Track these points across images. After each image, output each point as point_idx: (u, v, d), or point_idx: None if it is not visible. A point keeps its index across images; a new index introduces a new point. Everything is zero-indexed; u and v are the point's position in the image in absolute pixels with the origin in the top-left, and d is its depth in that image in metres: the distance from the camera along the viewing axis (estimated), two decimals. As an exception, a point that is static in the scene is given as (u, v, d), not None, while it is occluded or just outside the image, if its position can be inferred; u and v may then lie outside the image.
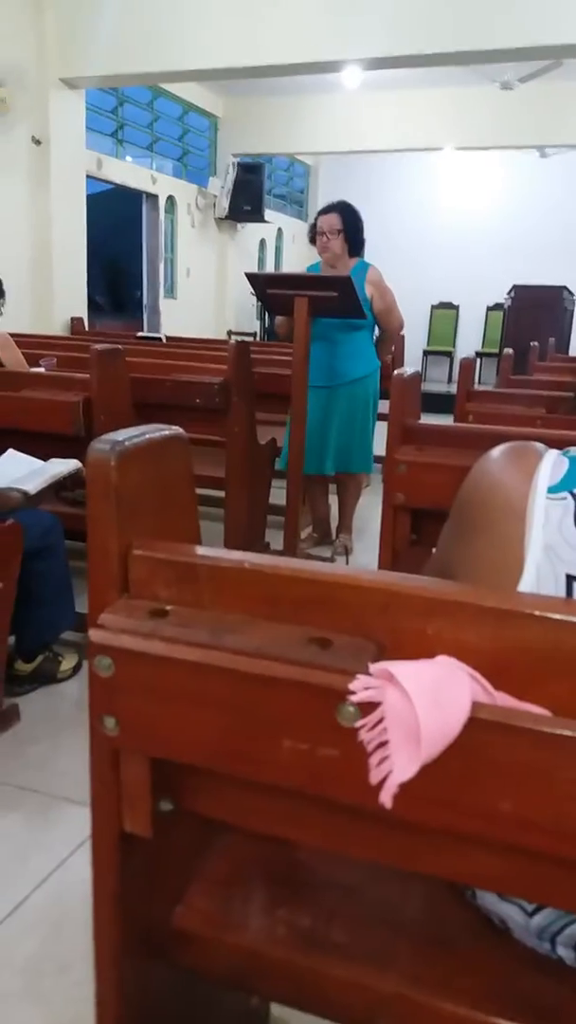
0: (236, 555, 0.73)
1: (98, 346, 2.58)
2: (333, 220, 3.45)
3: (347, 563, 3.49)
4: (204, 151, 9.60)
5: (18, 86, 5.69)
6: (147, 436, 0.78)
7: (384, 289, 3.54)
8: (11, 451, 2.41)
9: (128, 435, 0.77)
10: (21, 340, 3.36)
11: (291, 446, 3.36)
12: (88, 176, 7.03)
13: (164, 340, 5.97)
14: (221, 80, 7.63)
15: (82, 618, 2.62)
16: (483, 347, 10.78)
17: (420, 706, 0.59)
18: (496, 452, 0.80)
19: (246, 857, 0.98)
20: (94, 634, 0.72)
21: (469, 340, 11.06)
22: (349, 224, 3.46)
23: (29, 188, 6.24)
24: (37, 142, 6.21)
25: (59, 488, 2.42)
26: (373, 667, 0.63)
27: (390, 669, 0.61)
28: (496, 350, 9.07)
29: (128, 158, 8.37)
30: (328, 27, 5.38)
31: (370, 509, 4.27)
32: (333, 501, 3.96)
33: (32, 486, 2.26)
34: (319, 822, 0.74)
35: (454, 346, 11.11)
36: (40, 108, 6.13)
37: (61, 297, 6.56)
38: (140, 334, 6.76)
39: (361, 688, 0.62)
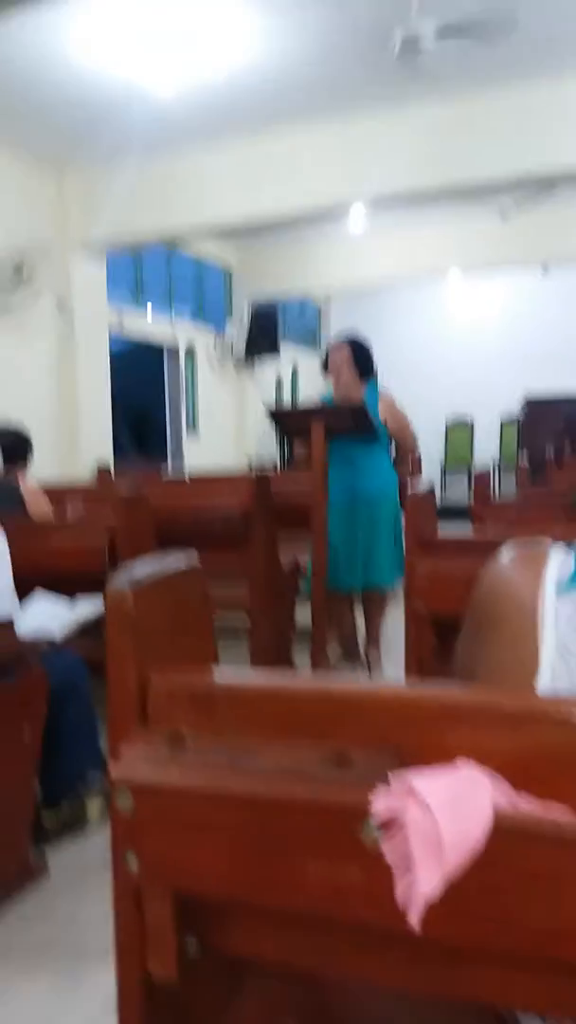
0: (251, 675, 0.73)
1: (122, 491, 2.66)
2: (343, 352, 3.63)
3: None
4: (220, 299, 10.16)
5: (41, 255, 6.13)
6: (163, 568, 0.80)
7: (396, 412, 3.68)
8: (39, 592, 2.45)
9: (144, 569, 0.79)
10: (50, 488, 3.48)
11: (313, 565, 3.39)
12: (111, 335, 7.44)
13: (187, 477, 6.14)
14: (231, 234, 8.17)
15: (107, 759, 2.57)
16: (501, 458, 10.92)
17: (441, 818, 0.58)
18: (505, 553, 0.81)
19: (277, 1001, 0.92)
20: (114, 767, 0.72)
21: (486, 453, 11.23)
22: (358, 354, 3.64)
23: (55, 349, 6.62)
24: (61, 303, 6.63)
25: (87, 628, 2.44)
26: (393, 780, 0.62)
27: (410, 781, 0.60)
28: (513, 461, 9.19)
29: (148, 310, 8.87)
30: (332, 172, 5.79)
31: (398, 623, 4.23)
32: (358, 617, 3.94)
33: (59, 631, 2.27)
34: (348, 952, 0.71)
35: (472, 459, 11.28)
36: (62, 274, 6.58)
37: (87, 446, 6.82)
38: (164, 474, 6.96)
39: (381, 804, 0.61)
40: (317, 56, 4.78)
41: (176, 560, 0.84)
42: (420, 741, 0.66)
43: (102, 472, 6.96)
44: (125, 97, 5.06)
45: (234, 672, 0.77)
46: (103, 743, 2.47)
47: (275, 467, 9.06)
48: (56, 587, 2.56)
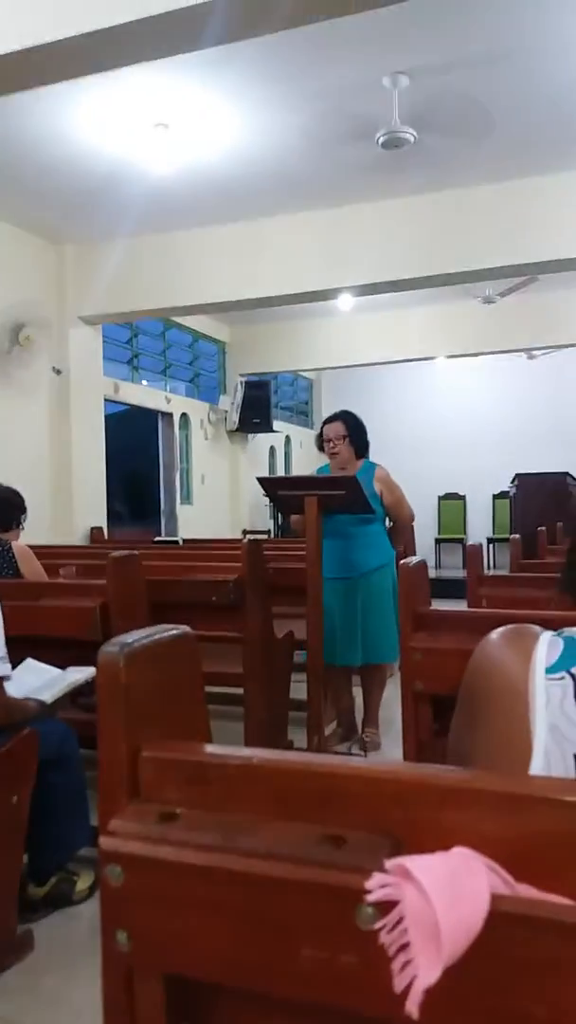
0: (244, 752, 0.73)
1: (114, 553, 2.66)
2: (338, 427, 3.68)
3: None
4: (214, 372, 10.36)
5: (40, 324, 6.27)
6: (155, 637, 0.81)
7: (392, 485, 3.71)
8: (29, 660, 2.43)
9: (137, 636, 0.79)
10: (42, 551, 3.48)
11: (310, 639, 3.36)
12: (107, 399, 7.57)
13: (181, 543, 6.15)
14: (225, 312, 8.39)
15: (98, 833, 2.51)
16: (493, 532, 10.99)
17: (438, 902, 0.57)
18: (494, 635, 0.81)
19: None
20: (104, 842, 0.71)
21: (479, 527, 11.31)
22: (352, 429, 3.69)
23: (50, 413, 6.71)
24: (58, 372, 6.75)
25: (76, 695, 2.41)
26: (388, 863, 0.61)
27: (406, 864, 0.60)
28: (506, 535, 9.23)
29: (144, 382, 9.03)
30: (320, 261, 6.00)
31: (396, 700, 4.18)
32: (357, 693, 3.89)
33: (49, 696, 2.25)
34: (347, 1045, 0.68)
35: (465, 533, 11.34)
36: (60, 342, 6.73)
37: (81, 509, 6.85)
38: (157, 539, 6.96)
39: (377, 886, 0.60)
40: (305, 150, 5.02)
41: (167, 628, 0.84)
42: (415, 824, 0.65)
43: (96, 534, 6.98)
44: (122, 174, 5.27)
45: (227, 748, 0.76)
46: (94, 816, 2.41)
47: (269, 536, 9.09)
48: (45, 650, 2.53)
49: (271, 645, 3.43)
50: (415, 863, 0.60)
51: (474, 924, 0.57)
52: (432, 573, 6.23)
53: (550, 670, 0.74)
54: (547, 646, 0.76)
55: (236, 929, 0.66)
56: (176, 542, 6.35)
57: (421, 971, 0.58)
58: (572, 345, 9.27)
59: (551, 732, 0.70)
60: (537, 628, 0.81)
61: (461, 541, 11.21)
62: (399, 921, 0.59)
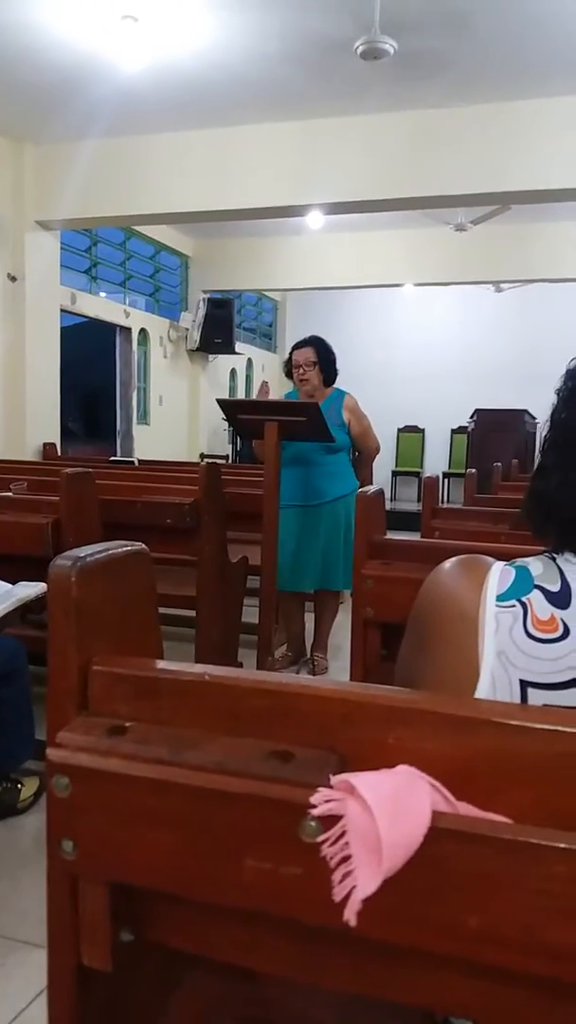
0: (196, 668, 0.73)
1: (68, 470, 2.62)
2: (308, 353, 3.62)
3: (320, 682, 3.44)
4: (176, 287, 10.07)
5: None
6: (108, 552, 0.79)
7: (360, 415, 3.69)
8: (-23, 574, 2.40)
9: (90, 551, 0.78)
10: (-7, 465, 3.41)
11: (263, 565, 3.38)
12: (63, 310, 7.33)
13: (137, 463, 6.08)
14: (191, 223, 8.12)
15: (43, 745, 2.56)
16: (449, 467, 11.09)
17: (380, 817, 0.58)
18: (447, 564, 0.82)
19: (215, 995, 0.92)
20: (52, 753, 0.71)
21: (436, 461, 11.39)
22: (323, 356, 3.64)
23: (3, 321, 6.48)
24: (12, 279, 6.49)
25: (25, 611, 2.40)
26: (334, 779, 0.62)
27: (351, 780, 0.61)
28: (462, 470, 9.34)
29: (102, 294, 8.75)
30: (292, 175, 5.80)
31: (346, 627, 4.27)
32: (308, 619, 3.95)
33: (-2, 610, 2.24)
34: (287, 950, 0.71)
35: (422, 467, 11.42)
36: (16, 247, 6.45)
37: (33, 424, 6.70)
38: (112, 458, 6.86)
39: (321, 801, 0.61)
40: (280, 57, 4.78)
41: (121, 544, 0.83)
42: (361, 742, 0.66)
43: (48, 450, 6.85)
44: (88, 69, 4.97)
45: (178, 663, 0.76)
46: (39, 730, 2.43)
47: (227, 461, 9.04)
48: (-5, 567, 2.51)
49: (225, 569, 3.45)
50: (360, 779, 0.61)
51: (414, 839, 0.59)
52: (388, 505, 6.27)
53: (501, 598, 0.75)
54: (499, 575, 0.77)
55: (182, 840, 0.67)
56: (132, 462, 6.27)
57: (360, 882, 0.60)
58: (541, 280, 9.21)
59: (498, 657, 0.72)
60: (489, 559, 0.82)
61: (418, 475, 11.29)
62: (341, 835, 0.61)
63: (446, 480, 10.47)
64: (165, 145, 6.09)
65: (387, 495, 9.48)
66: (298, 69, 4.92)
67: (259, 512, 3.42)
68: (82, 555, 0.76)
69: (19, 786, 2.38)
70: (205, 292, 9.79)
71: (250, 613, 3.77)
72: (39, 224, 6.56)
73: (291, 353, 3.69)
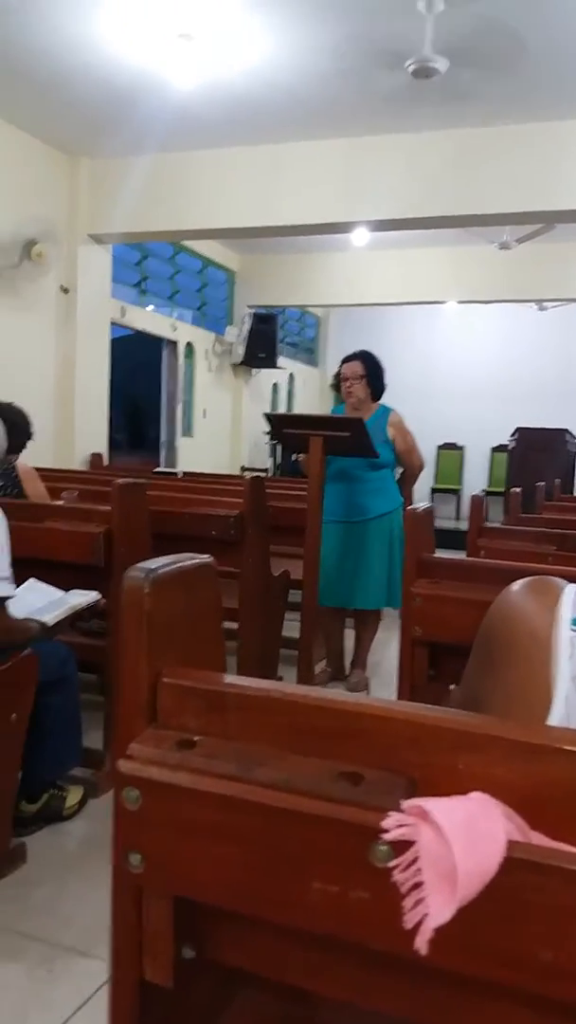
0: (264, 684, 0.73)
1: (120, 480, 2.65)
2: (356, 367, 3.62)
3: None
4: (221, 302, 10.16)
5: (50, 240, 6.12)
6: (179, 564, 0.80)
7: (405, 431, 3.68)
8: (32, 580, 2.44)
9: (161, 563, 0.79)
10: (44, 474, 3.46)
11: (305, 579, 3.38)
12: (112, 323, 7.43)
13: (181, 475, 6.13)
14: (238, 238, 8.19)
15: (88, 753, 2.57)
16: (489, 486, 10.99)
17: (455, 844, 0.58)
18: (517, 586, 0.81)
19: (268, 1016, 0.92)
20: (123, 765, 0.71)
21: (475, 479, 11.29)
22: (371, 370, 3.64)
23: (56, 332, 6.60)
24: (65, 290, 6.61)
25: (75, 618, 2.43)
26: (406, 804, 0.62)
27: (424, 806, 0.60)
28: (501, 489, 9.25)
29: (150, 307, 8.86)
30: (338, 192, 5.82)
31: (384, 644, 4.24)
32: (347, 635, 3.94)
33: (51, 617, 2.27)
34: (350, 973, 0.71)
35: (460, 484, 11.34)
36: (70, 260, 6.56)
37: (82, 434, 6.79)
38: (157, 469, 6.93)
39: (394, 825, 0.61)
40: (330, 75, 4.81)
41: (190, 557, 0.84)
42: (430, 766, 0.66)
43: (95, 460, 6.94)
44: (142, 87, 5.05)
45: (246, 678, 0.77)
46: (86, 737, 2.46)
47: (267, 475, 9.07)
48: (44, 572, 2.54)
49: (267, 582, 3.45)
50: (434, 805, 0.60)
51: (489, 868, 0.58)
52: (428, 521, 6.13)
53: (575, 621, 0.74)
54: (573, 598, 0.76)
55: (249, 858, 0.67)
56: (175, 474, 6.33)
57: (432, 910, 0.59)
58: (586, 299, 9.11)
59: (573, 682, 0.71)
60: (561, 581, 0.81)
61: (456, 492, 11.22)
62: (414, 860, 0.61)
63: (486, 498, 10.37)
64: (214, 161, 6.17)
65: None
66: (347, 86, 4.95)
67: (302, 526, 3.42)
68: (153, 567, 0.77)
69: (64, 794, 2.40)
70: (250, 307, 9.87)
71: (290, 627, 3.77)
72: (92, 237, 6.67)
73: (340, 366, 3.70)
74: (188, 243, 8.79)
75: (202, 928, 0.77)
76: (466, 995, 0.65)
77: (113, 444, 7.48)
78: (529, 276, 8.41)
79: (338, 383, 3.70)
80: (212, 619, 0.85)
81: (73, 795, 2.43)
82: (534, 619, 0.76)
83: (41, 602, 2.35)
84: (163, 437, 9.24)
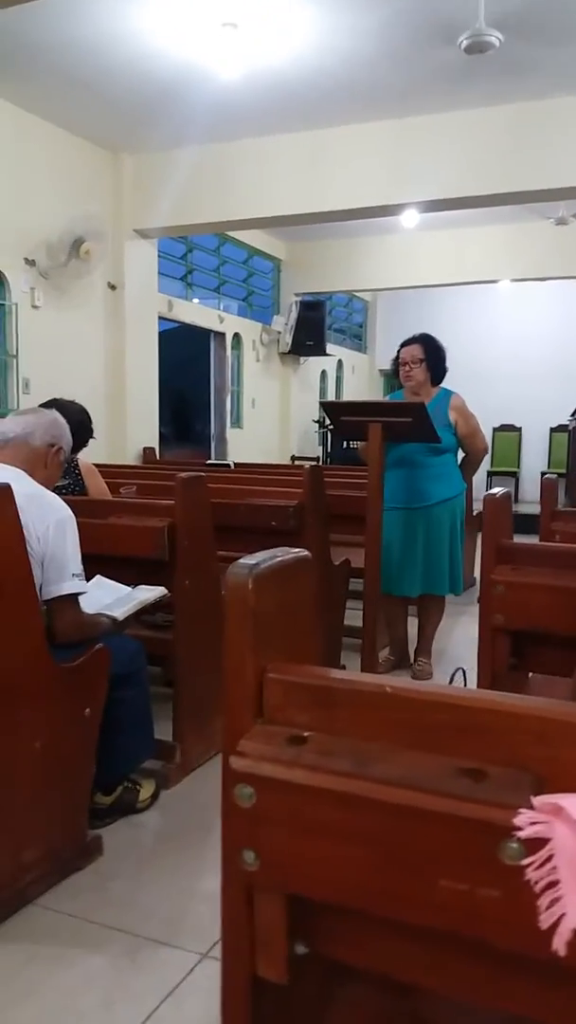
0: (376, 679, 0.72)
1: (182, 474, 2.65)
2: (415, 350, 3.57)
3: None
4: (268, 291, 10.14)
5: (96, 237, 6.17)
6: (279, 559, 0.79)
7: (467, 415, 3.62)
8: (99, 577, 2.46)
9: (261, 558, 0.78)
10: (100, 470, 3.49)
11: (367, 567, 3.35)
12: (160, 317, 7.47)
13: (232, 466, 6.14)
14: (284, 226, 8.15)
15: (160, 745, 2.58)
16: (549, 467, 10.79)
17: (597, 842, 0.55)
18: None
19: (373, 1010, 0.91)
20: (235, 762, 0.70)
21: (534, 460, 11.09)
22: (431, 354, 3.57)
23: (105, 328, 6.66)
24: (112, 287, 6.66)
25: (141, 612, 2.45)
26: (536, 800, 0.60)
27: (559, 803, 0.58)
28: (561, 470, 9.07)
29: (196, 300, 8.89)
30: (387, 174, 5.74)
31: (447, 632, 4.19)
32: (411, 623, 3.90)
33: (120, 612, 2.28)
34: (472, 972, 0.69)
35: (519, 466, 11.15)
36: (116, 256, 6.61)
37: (134, 429, 6.86)
38: (209, 461, 6.96)
39: (527, 823, 0.58)
40: (378, 56, 4.74)
41: (287, 551, 0.83)
42: (558, 761, 0.63)
43: (148, 454, 7.00)
44: (186, 79, 5.04)
45: (356, 673, 0.75)
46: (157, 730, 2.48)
47: (318, 463, 9.03)
48: (107, 568, 2.56)
49: (328, 571, 3.44)
50: (571, 803, 0.58)
51: None
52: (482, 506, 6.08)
53: None
54: None
55: (370, 855, 0.66)
56: (228, 465, 6.34)
57: (571, 910, 0.57)
58: None
59: None
60: None
61: (514, 475, 11.03)
62: (548, 858, 0.58)
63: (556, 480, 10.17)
64: (259, 150, 6.14)
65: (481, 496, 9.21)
66: (395, 67, 4.87)
67: (361, 514, 3.39)
68: (254, 562, 0.76)
69: (137, 787, 2.42)
70: (297, 295, 9.82)
71: (352, 616, 3.75)
72: (137, 233, 6.71)
73: (399, 350, 3.64)
74: (233, 233, 8.78)
75: (314, 923, 0.76)
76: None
77: (160, 438, 7.54)
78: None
79: (396, 368, 3.65)
80: (309, 612, 0.84)
81: (146, 788, 2.45)
82: None
83: (109, 598, 2.37)
84: (213, 429, 9.27)
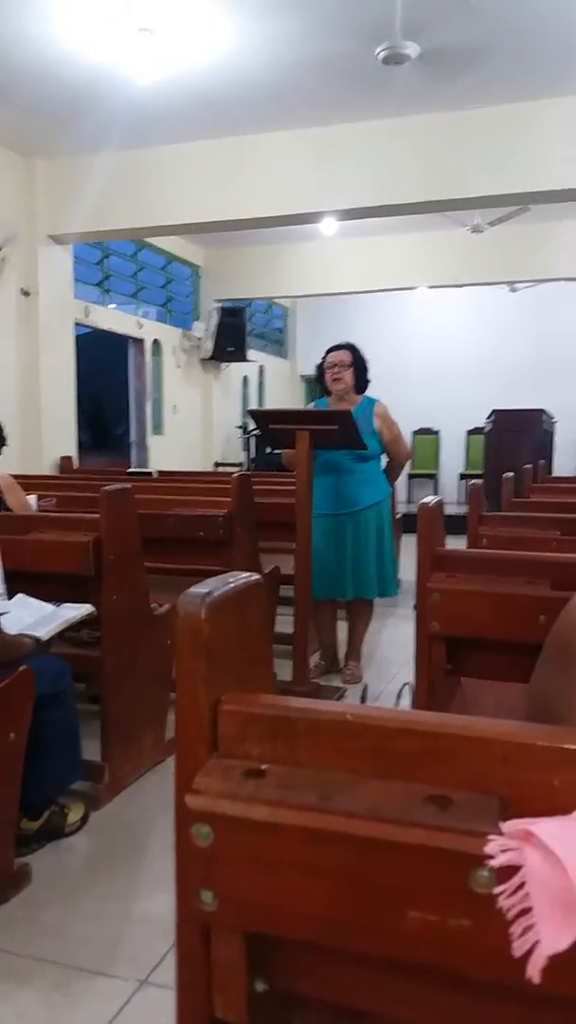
0: (337, 707, 0.70)
1: (108, 487, 2.59)
2: (343, 355, 3.61)
3: (364, 693, 3.40)
4: (187, 297, 10.06)
5: (9, 243, 6.00)
6: (232, 585, 0.76)
7: (391, 422, 3.67)
8: (21, 596, 2.37)
9: (214, 585, 0.75)
10: (18, 480, 3.38)
11: (297, 574, 3.34)
12: (76, 323, 7.32)
13: (155, 474, 6.05)
14: (204, 232, 8.10)
15: (88, 766, 2.50)
16: (466, 469, 11.04)
17: (572, 868, 0.55)
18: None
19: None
20: (191, 800, 0.67)
21: (452, 463, 11.34)
22: (358, 360, 3.63)
23: (17, 335, 6.47)
24: (26, 293, 6.48)
25: (65, 629, 2.37)
26: (506, 826, 0.59)
27: (530, 828, 0.57)
28: (478, 471, 9.28)
29: (113, 306, 8.75)
30: (307, 182, 5.77)
31: (375, 634, 4.23)
32: (340, 627, 3.92)
33: (45, 632, 2.21)
34: (441, 1000, 0.67)
35: (438, 468, 11.38)
36: (30, 262, 6.45)
37: (50, 438, 6.69)
38: (130, 470, 6.84)
39: (499, 851, 0.58)
40: (297, 65, 4.76)
41: (239, 576, 0.80)
42: (524, 785, 0.63)
43: (65, 463, 6.82)
44: (101, 83, 4.96)
45: (314, 701, 0.73)
46: (84, 751, 2.41)
47: (241, 470, 9.00)
48: (34, 585, 2.48)
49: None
50: (540, 827, 0.57)
51: (607, 891, 0.55)
52: (404, 508, 6.19)
53: None
54: None
55: (336, 890, 0.64)
56: (150, 473, 6.25)
57: (546, 937, 0.56)
58: (557, 279, 9.15)
59: None
60: None
61: (433, 477, 11.25)
62: (520, 885, 0.57)
63: (463, 482, 10.42)
64: (177, 156, 6.08)
65: (402, 498, 9.30)
66: (315, 75, 4.90)
67: (287, 521, 3.39)
68: (206, 591, 0.73)
69: (66, 811, 2.34)
70: (217, 301, 9.78)
71: (282, 623, 3.74)
72: (52, 238, 6.55)
73: (325, 355, 3.67)
74: (150, 240, 8.68)
75: (274, 959, 0.73)
76: (568, 1019, 0.63)
77: (78, 445, 7.38)
78: (500, 258, 8.43)
79: (321, 374, 3.67)
80: (263, 639, 0.82)
81: (75, 811, 2.37)
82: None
83: (32, 617, 2.29)
84: (133, 436, 9.13)
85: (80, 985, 1.76)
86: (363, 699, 3.26)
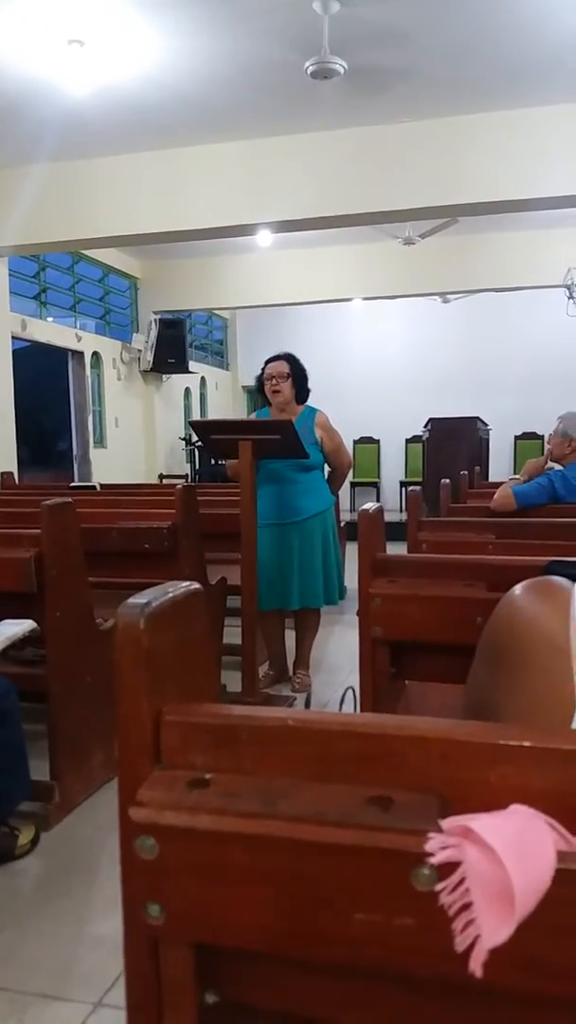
0: (279, 713, 0.70)
1: (48, 501, 2.55)
2: (281, 366, 3.61)
3: (308, 700, 3.41)
4: (126, 309, 10.00)
5: None
6: (171, 595, 0.76)
7: (332, 431, 3.69)
8: (-40, 614, 2.32)
9: (153, 595, 0.75)
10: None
11: (244, 585, 3.34)
12: (13, 337, 7.21)
13: (98, 488, 5.98)
14: (140, 244, 8.07)
15: (37, 786, 2.45)
16: (406, 476, 11.18)
17: (508, 862, 0.56)
18: (522, 590, 0.81)
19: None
20: (135, 813, 0.67)
21: (392, 471, 11.47)
22: (297, 371, 3.63)
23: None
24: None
25: (7, 647, 2.33)
26: (445, 823, 0.60)
27: (466, 824, 0.59)
28: (417, 478, 9.42)
29: (51, 319, 8.64)
30: (241, 194, 5.81)
31: (322, 642, 4.25)
32: (287, 636, 3.92)
33: (-14, 651, 2.17)
34: (391, 1002, 0.68)
35: (379, 476, 11.50)
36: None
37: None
38: (73, 484, 6.75)
39: (438, 848, 0.59)
40: (230, 77, 4.79)
41: (178, 585, 0.80)
42: (462, 782, 0.64)
43: (7, 480, 6.70)
44: (32, 95, 4.92)
45: (256, 708, 0.73)
46: (32, 770, 2.36)
47: (186, 481, 8.96)
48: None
49: (205, 591, 3.40)
50: (478, 823, 0.59)
51: (543, 882, 0.57)
52: (347, 516, 6.22)
53: None
54: None
55: (284, 896, 0.64)
56: (93, 487, 6.17)
57: (486, 931, 0.58)
58: (488, 290, 9.37)
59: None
60: (564, 580, 0.81)
61: (375, 484, 11.37)
62: (460, 881, 0.59)
63: (403, 489, 10.54)
64: (113, 168, 6.05)
65: (345, 506, 9.39)
66: (246, 89, 4.94)
67: (235, 532, 3.38)
68: (145, 601, 0.73)
69: (16, 832, 2.30)
70: (156, 313, 9.74)
71: (230, 634, 3.73)
72: (-14, 249, 6.46)
73: (264, 366, 3.67)
74: (87, 252, 8.61)
75: (224, 970, 0.73)
76: (525, 1011, 0.64)
77: (18, 461, 7.26)
78: (432, 270, 8.60)
79: (261, 385, 3.67)
80: (204, 648, 0.82)
81: (25, 833, 2.32)
82: (547, 623, 0.76)
83: (-27, 634, 2.24)
84: (75, 450, 9.01)
85: (34, 1011, 1.72)
86: (307, 705, 3.27)
